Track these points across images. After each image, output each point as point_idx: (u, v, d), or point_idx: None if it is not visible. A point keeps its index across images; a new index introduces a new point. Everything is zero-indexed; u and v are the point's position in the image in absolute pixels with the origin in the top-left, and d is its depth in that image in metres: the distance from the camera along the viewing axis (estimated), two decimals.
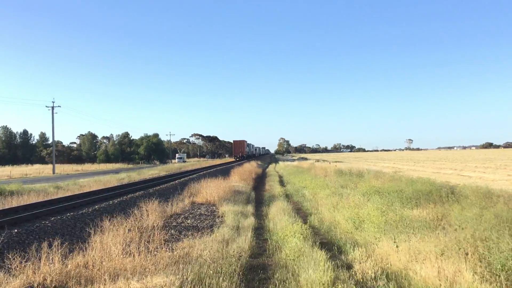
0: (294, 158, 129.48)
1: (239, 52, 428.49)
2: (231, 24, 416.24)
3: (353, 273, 8.94)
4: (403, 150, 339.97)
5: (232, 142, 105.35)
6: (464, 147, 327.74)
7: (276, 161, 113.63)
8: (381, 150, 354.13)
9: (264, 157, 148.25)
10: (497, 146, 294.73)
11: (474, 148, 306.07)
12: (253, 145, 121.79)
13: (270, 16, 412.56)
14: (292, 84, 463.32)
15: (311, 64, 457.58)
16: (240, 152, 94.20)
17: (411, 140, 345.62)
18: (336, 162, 71.75)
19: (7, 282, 7.39)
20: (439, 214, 13.02)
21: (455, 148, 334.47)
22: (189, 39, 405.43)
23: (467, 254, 8.27)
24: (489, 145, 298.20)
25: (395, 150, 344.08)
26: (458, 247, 8.57)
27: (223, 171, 44.56)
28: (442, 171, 43.76)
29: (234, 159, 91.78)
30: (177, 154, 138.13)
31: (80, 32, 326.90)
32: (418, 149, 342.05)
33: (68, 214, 14.85)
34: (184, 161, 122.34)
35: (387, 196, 17.58)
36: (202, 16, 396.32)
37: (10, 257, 8.62)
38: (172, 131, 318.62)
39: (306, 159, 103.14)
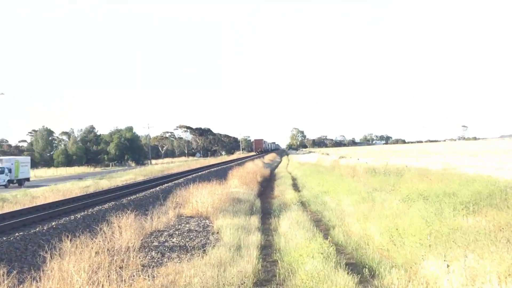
0: (311, 153, 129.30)
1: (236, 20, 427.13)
2: None
3: None
4: (455, 140, 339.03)
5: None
6: None
7: (288, 158, 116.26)
8: (426, 141, 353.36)
9: (274, 153, 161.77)
10: None
11: None
12: (266, 142, 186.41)
13: None
14: (306, 62, 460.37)
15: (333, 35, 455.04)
16: (259, 148, 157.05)
17: (466, 126, 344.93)
18: (367, 157, 71.67)
19: None
20: (503, 222, 12.98)
21: None
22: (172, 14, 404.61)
23: None
24: None
25: (444, 141, 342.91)
26: None
27: (219, 173, 44.62)
28: (507, 166, 43.57)
29: (255, 153, 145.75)
30: None
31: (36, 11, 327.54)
32: (474, 138, 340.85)
33: (17, 234, 14.92)
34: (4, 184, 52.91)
35: (435, 201, 17.55)
36: None
37: None
38: (150, 123, 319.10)
39: (327, 154, 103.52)
